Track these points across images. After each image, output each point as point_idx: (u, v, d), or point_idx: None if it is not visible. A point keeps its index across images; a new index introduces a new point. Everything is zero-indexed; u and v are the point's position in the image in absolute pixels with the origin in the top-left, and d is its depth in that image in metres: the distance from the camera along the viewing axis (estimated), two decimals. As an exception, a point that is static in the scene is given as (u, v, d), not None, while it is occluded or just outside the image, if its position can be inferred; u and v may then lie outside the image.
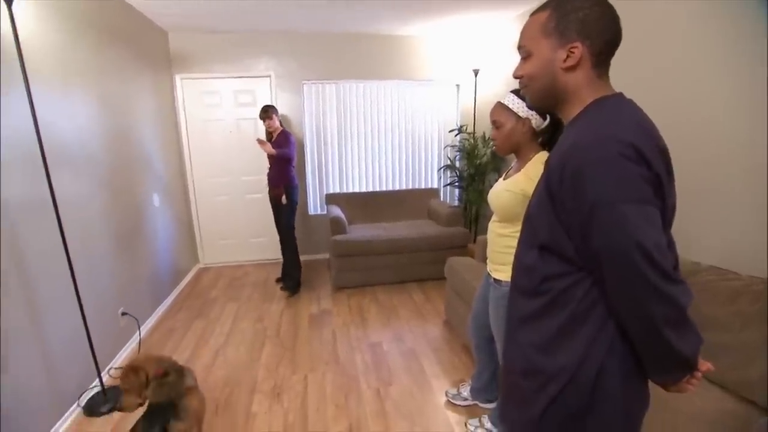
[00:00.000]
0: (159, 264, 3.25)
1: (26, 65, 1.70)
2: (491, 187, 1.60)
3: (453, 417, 1.99)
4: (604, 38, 0.78)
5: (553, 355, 0.82)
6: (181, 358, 2.51)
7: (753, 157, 1.65)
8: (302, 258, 3.65)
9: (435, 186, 4.59)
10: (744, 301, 1.51)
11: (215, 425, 1.97)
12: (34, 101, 1.74)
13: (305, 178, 4.28)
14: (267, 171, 3.47)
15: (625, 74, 1.46)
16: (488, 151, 3.92)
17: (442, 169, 4.55)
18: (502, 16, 3.56)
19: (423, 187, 4.58)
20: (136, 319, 2.68)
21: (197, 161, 4.09)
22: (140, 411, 1.57)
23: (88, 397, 2.11)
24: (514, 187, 1.47)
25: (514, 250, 1.47)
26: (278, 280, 3.78)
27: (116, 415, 2.04)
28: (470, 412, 2.01)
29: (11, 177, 1.71)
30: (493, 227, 1.60)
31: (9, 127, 1.71)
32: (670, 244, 0.80)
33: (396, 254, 3.58)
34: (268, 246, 4.31)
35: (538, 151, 1.47)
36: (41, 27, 1.97)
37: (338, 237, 3.52)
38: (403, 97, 4.35)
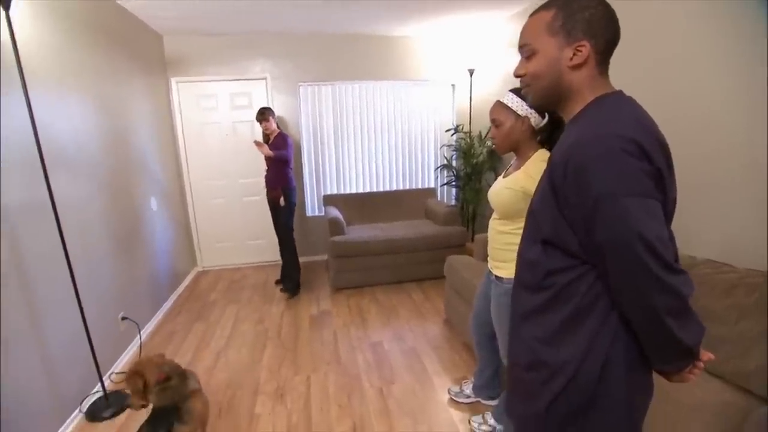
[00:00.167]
0: (157, 267, 3.23)
1: (23, 68, 1.69)
2: (488, 185, 1.63)
3: (456, 414, 2.01)
4: (607, 37, 0.80)
5: (558, 349, 0.84)
6: (182, 361, 2.49)
7: (750, 152, 1.68)
8: (301, 260, 3.66)
9: (432, 186, 4.62)
10: (740, 293, 1.54)
11: (219, 427, 1.97)
12: (31, 104, 1.74)
13: (302, 180, 4.29)
14: (264, 173, 3.47)
15: (626, 71, 1.48)
16: (484, 151, 3.94)
17: (438, 169, 4.57)
18: (496, 16, 3.59)
19: (420, 186, 4.60)
20: (136, 323, 2.67)
21: (194, 164, 4.08)
22: (143, 415, 1.57)
23: (90, 403, 2.10)
24: (514, 185, 1.49)
25: (514, 247, 1.49)
26: (278, 282, 3.78)
27: (118, 420, 2.04)
28: (473, 409, 2.02)
29: (9, 180, 1.70)
30: (494, 225, 1.62)
31: (6, 129, 1.70)
32: (670, 238, 0.82)
33: (394, 254, 3.59)
34: (266, 248, 4.30)
35: (537, 149, 1.49)
36: (37, 29, 1.96)
37: (337, 238, 3.52)
38: (399, 98, 4.37)
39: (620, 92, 0.84)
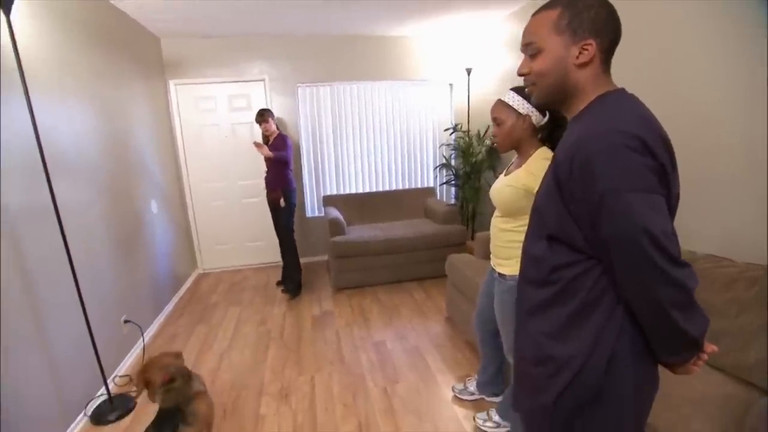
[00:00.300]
0: (158, 270, 3.23)
1: (23, 71, 1.69)
2: (487, 184, 1.64)
3: (460, 412, 2.02)
4: (610, 36, 0.82)
5: (564, 343, 0.85)
6: (185, 363, 2.50)
7: (750, 148, 1.70)
8: (301, 260, 3.66)
9: (431, 185, 4.63)
10: (740, 287, 1.56)
11: (225, 429, 1.97)
12: (33, 107, 1.74)
13: (302, 181, 4.29)
14: (264, 175, 3.48)
15: (628, 68, 1.50)
16: (483, 149, 3.96)
17: (437, 168, 4.59)
18: (493, 15, 3.60)
19: (419, 186, 4.61)
20: (139, 326, 2.67)
21: (193, 166, 4.08)
22: (149, 417, 1.58)
23: (94, 406, 2.10)
24: (515, 183, 1.50)
25: (517, 245, 1.51)
26: (279, 283, 3.78)
27: (123, 423, 2.04)
28: (477, 406, 2.04)
29: (10, 183, 1.70)
30: (496, 222, 1.63)
31: (7, 133, 1.70)
32: (673, 233, 0.83)
33: (395, 254, 3.60)
34: (266, 250, 4.31)
35: (538, 147, 1.50)
36: (36, 32, 1.96)
37: (337, 238, 3.53)
38: (397, 98, 4.38)
39: (623, 90, 0.85)
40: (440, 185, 4.63)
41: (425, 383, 2.26)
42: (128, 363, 2.55)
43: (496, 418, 1.86)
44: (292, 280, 3.54)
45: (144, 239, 3.02)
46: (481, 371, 2.05)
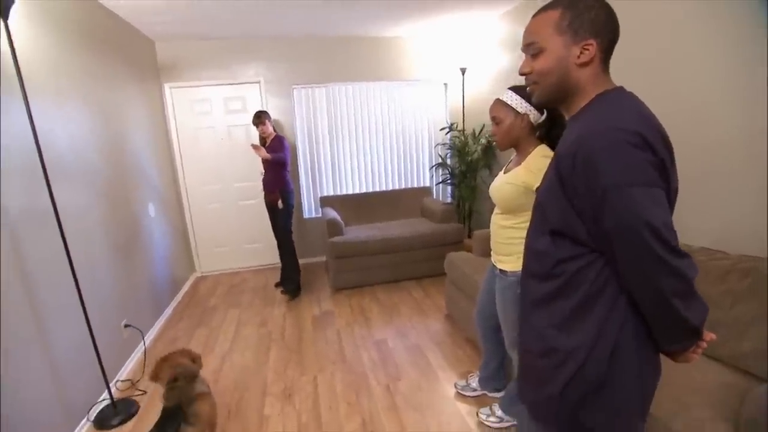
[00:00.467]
0: (157, 274, 3.22)
1: (22, 75, 1.69)
2: (483, 182, 1.66)
3: (463, 408, 2.04)
4: (609, 36, 0.84)
5: (569, 335, 0.87)
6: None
7: (743, 145, 1.74)
8: (299, 262, 3.67)
9: (427, 184, 4.66)
10: (733, 278, 1.60)
11: (230, 430, 1.98)
12: (31, 111, 1.74)
13: (299, 182, 4.30)
14: (262, 177, 3.48)
15: (627, 66, 1.52)
16: (479, 148, 3.99)
17: (433, 168, 4.62)
18: (487, 15, 3.64)
19: (416, 186, 4.64)
20: (140, 330, 2.67)
21: (189, 169, 4.07)
22: (152, 420, 1.59)
23: (97, 411, 2.10)
24: (515, 180, 1.53)
25: (517, 241, 1.55)
26: (278, 285, 3.79)
27: (126, 427, 2.03)
28: (479, 402, 2.06)
29: (10, 187, 1.70)
30: (496, 219, 1.66)
31: (6, 137, 1.70)
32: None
33: (393, 253, 3.63)
34: (264, 251, 4.31)
35: (536, 145, 1.53)
36: (31, 36, 1.95)
37: (335, 239, 3.55)
38: (392, 98, 4.41)
39: (621, 88, 0.88)
40: (436, 184, 4.66)
41: (427, 380, 2.28)
42: (129, 367, 2.54)
43: (499, 413, 1.89)
44: (292, 281, 3.55)
45: (142, 243, 3.01)
46: (482, 367, 2.08)
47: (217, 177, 4.14)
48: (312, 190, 4.43)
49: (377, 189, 4.57)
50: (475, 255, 2.88)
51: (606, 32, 0.84)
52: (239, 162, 4.11)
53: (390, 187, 4.60)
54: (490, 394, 2.07)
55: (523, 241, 1.01)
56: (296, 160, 4.24)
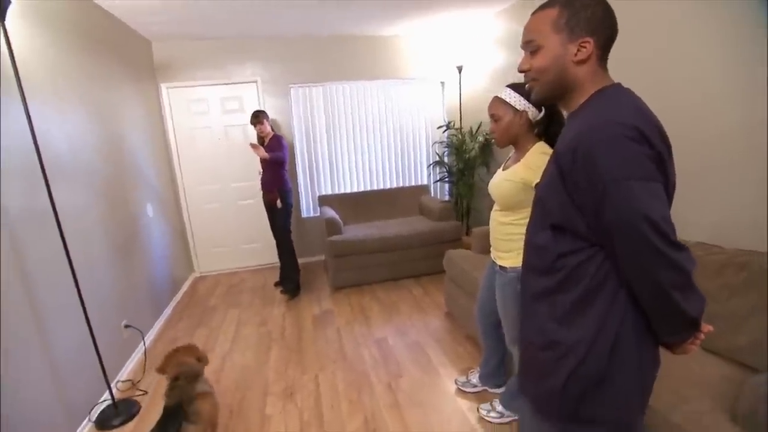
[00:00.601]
0: (156, 275, 3.22)
1: (20, 76, 1.69)
2: (481, 180, 1.67)
3: (464, 404, 2.06)
4: (607, 34, 0.85)
5: (570, 328, 0.88)
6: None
7: (739, 141, 1.76)
8: (298, 261, 3.67)
9: (425, 182, 4.67)
10: (729, 273, 1.62)
11: (232, 429, 1.98)
12: (30, 112, 1.73)
13: (297, 182, 4.30)
14: (260, 176, 3.48)
15: (625, 63, 1.52)
16: (476, 146, 4.01)
17: (431, 166, 4.63)
18: (483, 13, 3.65)
19: (413, 184, 4.65)
20: (140, 331, 2.66)
21: (187, 170, 4.06)
22: (153, 421, 1.59)
23: (99, 411, 2.10)
24: (514, 177, 1.54)
25: (516, 237, 1.56)
26: (277, 284, 3.79)
27: (127, 428, 2.04)
28: (480, 398, 2.07)
29: (9, 188, 1.69)
30: (495, 216, 1.67)
31: (4, 137, 1.69)
32: None
33: (392, 251, 3.63)
34: (262, 251, 4.31)
35: (535, 142, 1.54)
36: (27, 36, 1.94)
37: (334, 238, 3.55)
38: (389, 97, 4.41)
39: (619, 84, 0.89)
40: (434, 182, 4.67)
41: (428, 377, 2.29)
42: (130, 368, 2.54)
43: (500, 408, 1.90)
44: (291, 280, 3.55)
45: (141, 243, 3.00)
46: (483, 363, 2.09)
47: (215, 177, 4.13)
48: (310, 190, 4.43)
49: (375, 187, 4.57)
50: (473, 252, 2.89)
51: (603, 30, 0.85)
52: (237, 162, 4.10)
53: (388, 186, 4.61)
54: (491, 390, 2.08)
55: (523, 237, 1.02)
56: (294, 159, 4.24)
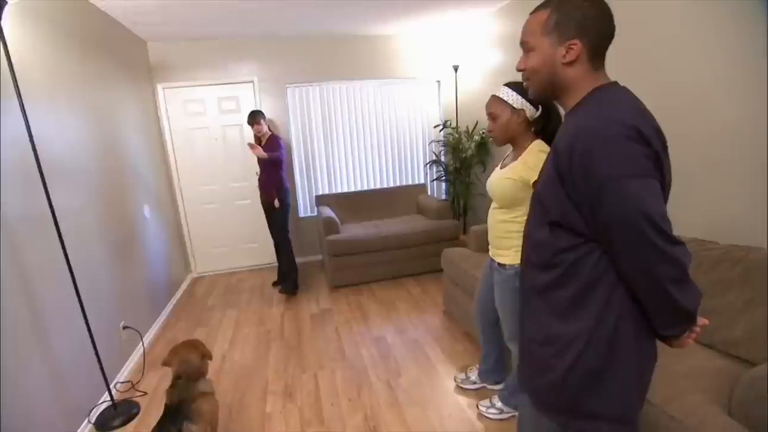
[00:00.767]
0: (154, 276, 3.21)
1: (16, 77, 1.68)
2: (477, 179, 1.68)
3: (463, 400, 2.07)
4: (600, 34, 0.86)
5: (568, 323, 0.90)
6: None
7: (735, 140, 1.79)
8: (296, 260, 3.67)
9: (422, 181, 4.68)
10: (724, 267, 1.64)
11: (232, 429, 1.99)
12: (27, 114, 1.73)
13: (294, 181, 4.30)
14: (258, 176, 3.48)
15: (622, 59, 1.53)
16: (473, 145, 4.02)
17: (428, 165, 4.64)
18: (479, 13, 3.67)
19: (410, 183, 4.66)
20: (138, 332, 2.66)
21: (184, 170, 4.05)
22: (153, 422, 1.60)
23: (98, 413, 2.09)
24: (512, 175, 1.55)
25: (515, 235, 1.57)
26: (275, 284, 3.79)
27: (127, 429, 2.04)
28: (479, 395, 2.09)
29: (7, 191, 1.68)
30: (494, 214, 1.68)
31: (2, 138, 1.69)
32: None
33: (390, 250, 3.65)
34: (260, 251, 4.30)
35: (533, 140, 1.56)
36: (23, 37, 1.93)
37: (332, 237, 3.56)
38: (386, 96, 4.42)
39: (616, 83, 0.90)
40: (431, 181, 4.68)
41: (427, 375, 2.31)
42: (129, 369, 2.53)
43: (499, 404, 1.92)
44: (289, 279, 3.55)
45: (138, 244, 2.99)
46: (482, 360, 2.11)
47: (212, 177, 4.13)
48: (307, 189, 4.43)
49: (372, 187, 4.58)
50: (471, 250, 2.91)
51: (594, 31, 0.86)
52: (234, 162, 4.10)
53: (385, 185, 4.62)
54: (490, 387, 2.10)
55: (521, 234, 1.04)
56: (291, 159, 4.24)
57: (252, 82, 4.02)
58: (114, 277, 2.54)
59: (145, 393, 2.30)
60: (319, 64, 4.12)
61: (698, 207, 1.96)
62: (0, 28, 1.60)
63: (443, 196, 4.68)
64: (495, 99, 1.58)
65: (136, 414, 2.13)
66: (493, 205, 1.69)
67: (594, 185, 0.79)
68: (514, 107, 1.53)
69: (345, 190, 4.50)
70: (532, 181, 1.45)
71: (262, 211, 3.58)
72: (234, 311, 3.34)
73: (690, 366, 1.46)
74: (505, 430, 1.86)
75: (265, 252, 4.18)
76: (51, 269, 1.91)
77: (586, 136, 0.80)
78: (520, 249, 1.05)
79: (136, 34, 3.45)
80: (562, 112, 0.99)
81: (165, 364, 1.74)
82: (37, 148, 1.79)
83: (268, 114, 4.02)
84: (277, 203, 3.36)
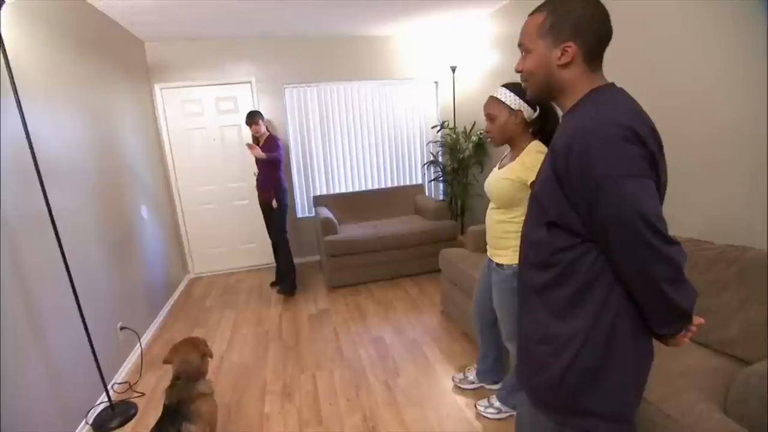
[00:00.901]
0: (151, 276, 3.20)
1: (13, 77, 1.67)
2: (475, 179, 1.69)
3: (462, 400, 2.08)
4: (596, 36, 0.87)
5: (566, 322, 0.90)
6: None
7: (732, 139, 1.80)
8: (294, 261, 3.67)
9: (420, 182, 4.69)
10: (719, 267, 1.66)
11: (231, 429, 1.99)
12: (24, 113, 1.72)
13: (291, 182, 4.30)
14: (256, 177, 3.48)
15: (620, 60, 1.54)
16: (470, 145, 4.04)
17: (426, 165, 4.65)
18: (477, 14, 3.68)
19: (408, 183, 4.66)
20: (136, 332, 2.65)
21: (182, 170, 4.04)
22: (151, 423, 1.60)
23: (96, 414, 2.08)
24: (510, 175, 1.56)
25: (513, 235, 1.58)
26: (273, 284, 3.79)
27: (125, 429, 2.03)
28: (478, 394, 2.10)
29: (4, 190, 1.68)
30: (492, 214, 1.69)
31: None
32: None
33: (388, 251, 3.65)
34: (258, 252, 4.30)
35: (530, 141, 1.57)
36: (20, 37, 1.93)
37: (330, 237, 3.56)
38: (384, 97, 4.43)
39: (612, 84, 0.91)
40: (429, 182, 4.69)
41: (425, 375, 2.31)
42: (126, 369, 2.53)
43: (497, 404, 1.93)
44: (287, 280, 3.55)
45: (136, 245, 2.99)
46: (480, 360, 2.12)
47: (210, 177, 4.12)
48: (305, 190, 4.43)
49: (370, 187, 4.58)
50: (469, 251, 2.92)
51: (589, 33, 0.86)
52: (232, 162, 4.09)
53: (383, 185, 4.62)
54: (488, 387, 2.11)
55: (519, 234, 1.05)
56: (289, 159, 4.23)
57: (250, 82, 4.02)
58: (111, 278, 2.54)
59: (143, 394, 2.29)
60: (317, 65, 4.12)
61: (697, 207, 1.98)
62: (-3, 28, 1.60)
63: (441, 197, 4.68)
64: (493, 100, 1.59)
65: (134, 415, 2.13)
66: (491, 205, 1.70)
67: (591, 186, 0.80)
68: (511, 108, 1.54)
69: (343, 190, 4.50)
70: (529, 182, 1.46)
71: (260, 212, 3.58)
72: (232, 312, 3.34)
73: (686, 365, 1.48)
74: (503, 430, 1.87)
75: (263, 252, 4.17)
76: (48, 269, 1.90)
77: (583, 137, 0.81)
78: (518, 249, 1.05)
79: (133, 34, 3.44)
80: (559, 112, 1.00)
81: (166, 362, 1.73)
82: (34, 147, 1.78)
83: (266, 114, 4.01)
84: (275, 204, 3.36)
